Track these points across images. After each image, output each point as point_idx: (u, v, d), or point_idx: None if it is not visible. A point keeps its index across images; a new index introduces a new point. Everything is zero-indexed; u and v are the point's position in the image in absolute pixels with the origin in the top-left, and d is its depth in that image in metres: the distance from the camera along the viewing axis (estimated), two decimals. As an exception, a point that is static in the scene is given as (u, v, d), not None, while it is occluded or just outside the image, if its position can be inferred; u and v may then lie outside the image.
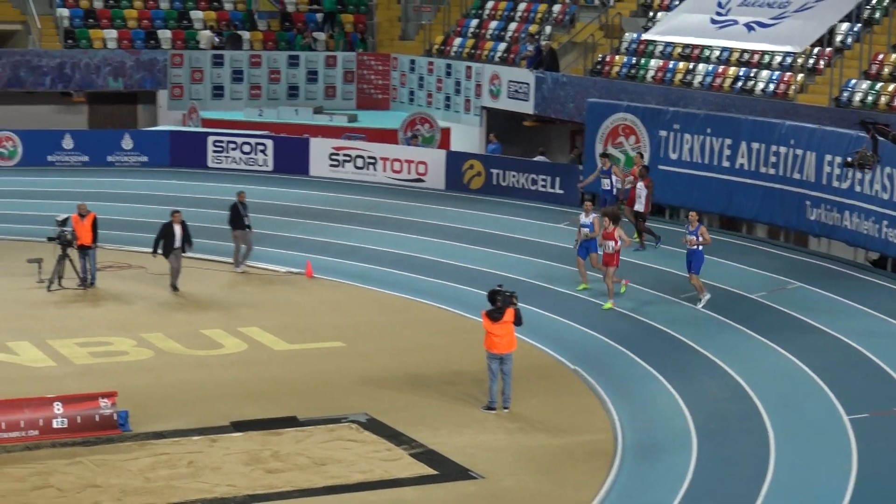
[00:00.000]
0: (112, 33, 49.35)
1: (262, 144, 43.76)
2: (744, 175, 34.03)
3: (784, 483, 19.95)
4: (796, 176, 32.60)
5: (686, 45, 39.58)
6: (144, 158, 44.55)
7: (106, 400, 22.76)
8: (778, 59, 37.17)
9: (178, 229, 32.09)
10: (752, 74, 37.51)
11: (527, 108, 43.52)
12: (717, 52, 39.00)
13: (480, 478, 21.14)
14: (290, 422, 23.33)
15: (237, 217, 34.05)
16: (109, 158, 44.45)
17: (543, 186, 39.45)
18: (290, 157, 43.39)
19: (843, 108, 33.79)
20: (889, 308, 27.51)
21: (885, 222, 29.84)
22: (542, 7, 46.98)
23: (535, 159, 41.53)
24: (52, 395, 23.03)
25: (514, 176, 40.23)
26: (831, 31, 35.25)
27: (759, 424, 22.42)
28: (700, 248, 28.95)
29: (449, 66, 47.62)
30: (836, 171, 31.21)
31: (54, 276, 31.91)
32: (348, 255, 35.17)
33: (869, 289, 29.28)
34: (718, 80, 38.29)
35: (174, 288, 32.03)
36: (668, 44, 40.28)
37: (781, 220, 33.47)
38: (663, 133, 36.12)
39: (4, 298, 31.23)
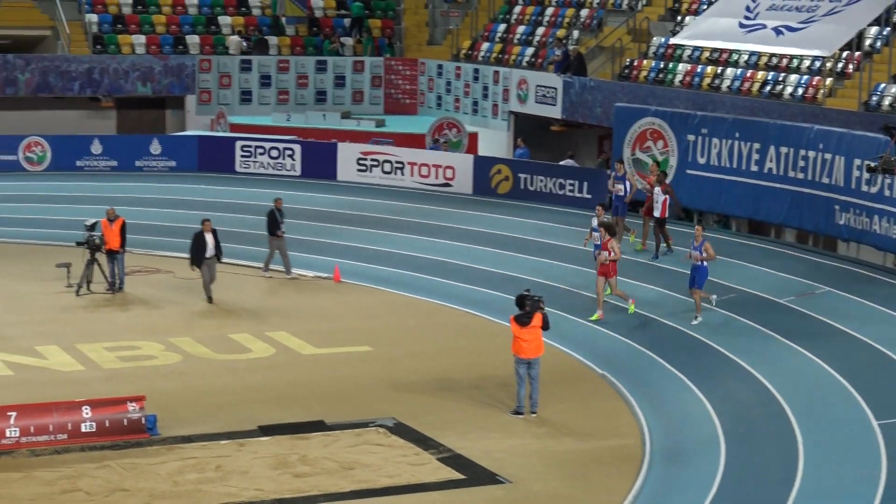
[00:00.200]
0: (140, 39, 49.53)
1: (290, 149, 43.85)
2: (772, 179, 33.94)
3: (812, 489, 19.87)
4: (825, 180, 32.50)
5: (714, 50, 39.51)
6: (172, 163, 44.71)
7: (134, 404, 22.82)
8: (806, 63, 37.07)
9: (209, 238, 31.89)
10: (780, 79, 37.41)
11: (554, 112, 43.50)
12: (745, 57, 38.90)
13: (508, 482, 21.12)
14: (318, 426, 23.35)
15: (274, 223, 33.96)
16: (138, 163, 44.64)
17: (571, 191, 39.44)
18: (318, 161, 43.46)
19: (872, 112, 33.67)
20: (919, 313, 27.44)
21: (915, 227, 29.77)
22: (570, 11, 46.95)
23: (562, 163, 41.50)
24: (80, 399, 23.11)
25: (541, 180, 40.21)
26: (860, 35, 35.13)
27: (788, 429, 22.34)
28: (704, 263, 28.64)
29: (476, 70, 47.62)
30: (865, 175, 31.08)
31: (83, 281, 31.99)
32: (376, 259, 35.19)
33: (898, 293, 29.19)
34: (747, 85, 38.20)
35: (210, 300, 31.76)
36: (696, 48, 40.23)
37: (810, 225, 33.35)
38: (691, 137, 36.04)
39: (34, 303, 31.34)
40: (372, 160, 43.00)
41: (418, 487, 20.86)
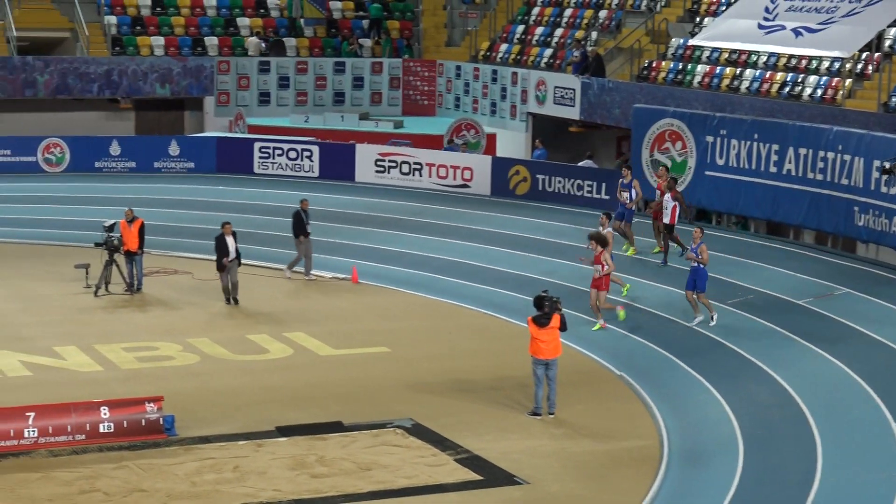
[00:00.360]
0: (159, 40, 49.62)
1: (308, 150, 43.88)
2: (791, 181, 33.85)
3: (831, 491, 19.82)
4: (844, 181, 32.39)
5: (733, 51, 39.44)
6: (191, 164, 44.79)
7: (152, 404, 22.85)
8: (826, 64, 36.99)
9: (230, 241, 31.91)
10: (799, 80, 37.32)
11: (573, 113, 43.47)
12: (764, 58, 38.83)
13: (526, 483, 21.10)
14: (336, 427, 23.35)
15: (300, 224, 33.93)
16: (156, 164, 44.74)
17: (589, 192, 39.39)
18: (336, 163, 43.48)
19: (891, 114, 33.59)
20: (938, 314, 27.35)
21: (934, 228, 29.67)
22: (589, 12, 46.92)
23: (581, 164, 41.46)
24: (98, 399, 23.15)
25: (559, 181, 40.17)
26: (879, 36, 35.04)
27: (806, 431, 22.28)
28: (701, 265, 28.48)
29: (495, 72, 47.62)
30: (885, 176, 31.00)
31: (101, 282, 32.07)
32: (394, 260, 35.20)
33: (918, 295, 29.10)
34: (766, 86, 38.12)
35: (235, 301, 31.64)
36: (714, 49, 40.17)
37: (829, 226, 33.25)
38: (710, 139, 35.96)
39: (52, 304, 31.41)
40: (390, 161, 43.01)
41: (436, 488, 20.86)
